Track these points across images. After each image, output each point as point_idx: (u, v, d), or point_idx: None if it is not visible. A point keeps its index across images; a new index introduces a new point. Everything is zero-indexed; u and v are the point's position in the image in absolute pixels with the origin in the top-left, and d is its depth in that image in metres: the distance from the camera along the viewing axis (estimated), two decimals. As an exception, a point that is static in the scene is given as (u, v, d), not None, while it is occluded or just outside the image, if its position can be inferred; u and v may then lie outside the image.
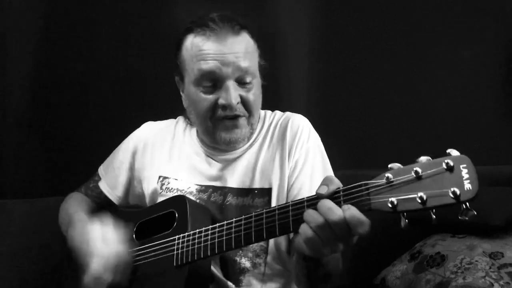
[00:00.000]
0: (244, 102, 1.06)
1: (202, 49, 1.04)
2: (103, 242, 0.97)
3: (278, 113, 1.21)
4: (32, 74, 1.78)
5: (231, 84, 1.03)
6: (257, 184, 1.09)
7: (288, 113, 1.19)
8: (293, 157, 1.09)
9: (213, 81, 1.04)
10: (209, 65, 1.02)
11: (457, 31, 1.81)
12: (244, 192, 1.09)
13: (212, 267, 1.04)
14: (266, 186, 1.09)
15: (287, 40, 1.83)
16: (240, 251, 1.06)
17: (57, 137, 1.79)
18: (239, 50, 1.04)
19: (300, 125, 1.12)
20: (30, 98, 1.78)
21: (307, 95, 1.85)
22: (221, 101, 1.04)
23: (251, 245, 1.06)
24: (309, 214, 0.71)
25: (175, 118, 1.27)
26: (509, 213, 1.36)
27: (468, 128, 1.75)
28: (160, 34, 1.75)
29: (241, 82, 1.05)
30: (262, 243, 1.06)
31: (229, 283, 1.04)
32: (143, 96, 1.78)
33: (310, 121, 1.17)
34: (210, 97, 1.05)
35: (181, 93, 1.16)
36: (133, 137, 1.24)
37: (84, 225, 1.04)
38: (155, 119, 1.28)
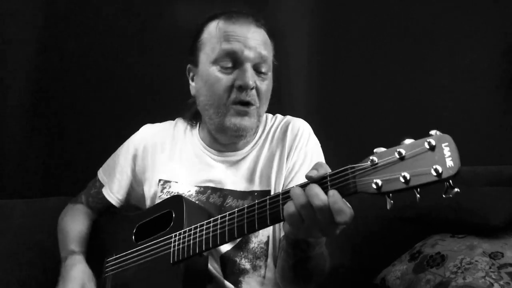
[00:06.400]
0: (257, 90, 1.07)
1: (227, 30, 1.07)
2: None
3: (279, 116, 1.21)
4: (32, 75, 1.79)
5: (249, 66, 1.05)
6: (257, 187, 1.10)
7: (289, 117, 1.20)
8: (291, 159, 1.10)
9: (233, 61, 1.06)
10: (232, 45, 1.05)
11: (456, 32, 1.81)
12: (244, 195, 1.09)
13: (212, 267, 1.04)
14: (266, 189, 1.09)
15: (287, 40, 1.83)
16: (241, 252, 1.06)
17: (57, 137, 1.79)
18: (260, 39, 1.08)
19: (300, 129, 1.14)
20: (30, 98, 1.79)
21: (306, 96, 1.85)
22: (238, 82, 1.05)
23: (251, 247, 1.06)
24: (295, 192, 0.72)
25: (173, 120, 1.27)
26: (509, 213, 1.35)
27: (468, 128, 1.75)
28: (160, 36, 1.76)
29: (257, 70, 1.07)
30: (262, 245, 1.06)
31: (228, 284, 1.04)
32: (143, 97, 1.78)
33: (309, 122, 1.18)
34: (227, 77, 1.06)
35: (190, 82, 1.16)
36: (133, 141, 1.24)
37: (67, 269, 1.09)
38: (155, 120, 1.29)
